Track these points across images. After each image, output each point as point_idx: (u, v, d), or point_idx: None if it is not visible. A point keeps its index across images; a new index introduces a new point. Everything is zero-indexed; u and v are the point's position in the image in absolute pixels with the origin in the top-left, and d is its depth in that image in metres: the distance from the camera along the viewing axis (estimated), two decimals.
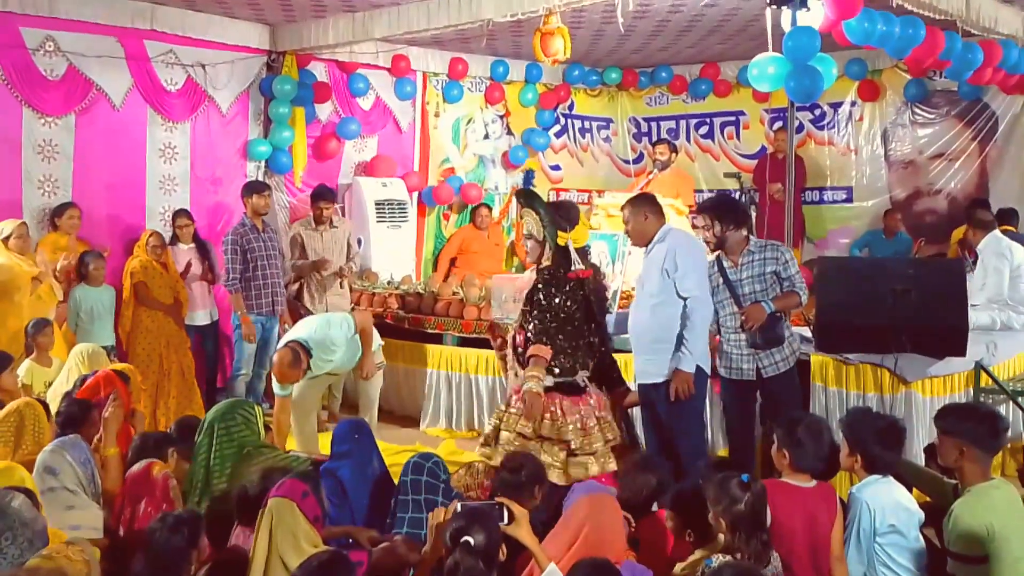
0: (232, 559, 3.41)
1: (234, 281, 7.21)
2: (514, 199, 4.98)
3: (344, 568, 3.00)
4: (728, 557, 3.19)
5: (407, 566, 3.51)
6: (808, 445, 3.62)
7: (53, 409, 5.00)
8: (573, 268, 4.66)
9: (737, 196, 7.05)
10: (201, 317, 7.69)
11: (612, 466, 4.56)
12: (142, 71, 7.80)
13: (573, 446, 4.54)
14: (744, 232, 5.18)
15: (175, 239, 7.68)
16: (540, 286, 4.65)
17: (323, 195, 7.95)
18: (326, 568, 2.95)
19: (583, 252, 4.83)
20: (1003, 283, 6.38)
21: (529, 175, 10.96)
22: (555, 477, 4.40)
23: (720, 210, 5.24)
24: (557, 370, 4.59)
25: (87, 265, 6.86)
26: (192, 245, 7.69)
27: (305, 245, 7.81)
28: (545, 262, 4.71)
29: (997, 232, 6.69)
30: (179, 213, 7.77)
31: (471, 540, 2.94)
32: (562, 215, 4.77)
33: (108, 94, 7.62)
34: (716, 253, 5.28)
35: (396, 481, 4.28)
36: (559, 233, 4.66)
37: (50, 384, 5.76)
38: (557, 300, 4.58)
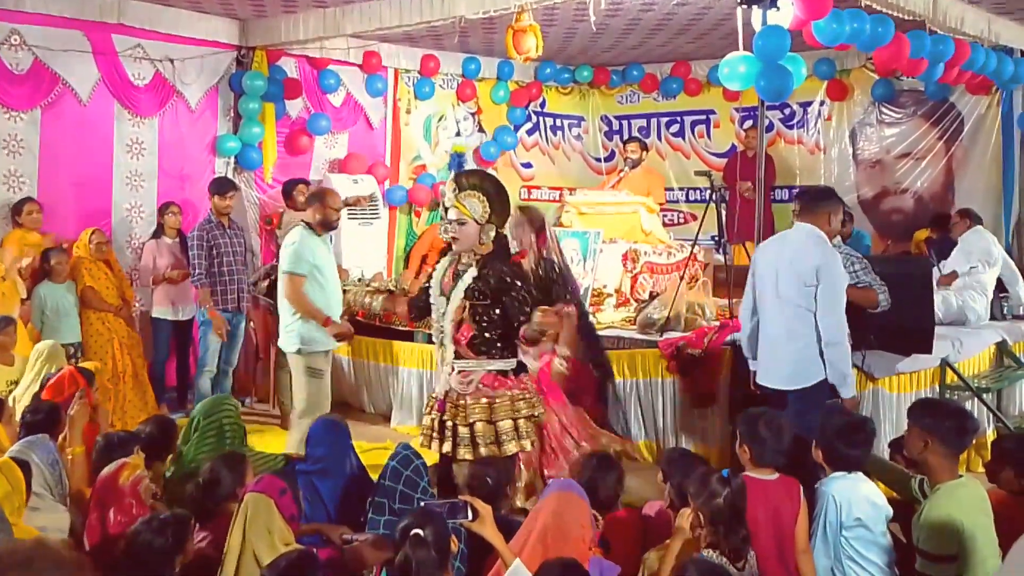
0: (202, 562, 3.38)
1: (200, 276, 7.16)
2: (452, 183, 4.32)
3: (313, 567, 2.99)
4: (713, 552, 3.22)
5: (378, 564, 3.50)
6: (769, 440, 3.67)
7: (18, 408, 4.95)
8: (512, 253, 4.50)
9: (708, 194, 7.07)
10: (182, 312, 7.59)
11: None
12: (109, 65, 7.71)
13: (538, 417, 4.51)
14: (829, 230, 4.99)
15: (160, 232, 7.59)
16: (507, 276, 4.26)
17: (298, 181, 7.84)
18: (295, 567, 2.93)
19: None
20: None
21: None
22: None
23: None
24: (514, 350, 4.44)
25: (49, 261, 6.78)
26: (176, 239, 7.59)
27: None
28: (483, 248, 4.30)
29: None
30: (169, 204, 7.67)
31: (421, 532, 2.92)
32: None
33: (75, 89, 7.52)
34: None
35: (372, 479, 4.25)
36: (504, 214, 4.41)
37: (14, 383, 5.68)
38: (524, 287, 4.38)
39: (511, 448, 4.32)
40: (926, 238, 8.87)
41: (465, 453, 4.30)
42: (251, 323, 7.88)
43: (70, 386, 4.72)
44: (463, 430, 4.33)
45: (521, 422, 4.39)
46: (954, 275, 7.09)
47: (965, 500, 3.44)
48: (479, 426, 4.34)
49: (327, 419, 4.51)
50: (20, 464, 3.61)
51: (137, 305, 7.70)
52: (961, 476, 3.56)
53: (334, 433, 4.37)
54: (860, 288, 4.94)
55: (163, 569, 3.15)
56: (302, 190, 7.70)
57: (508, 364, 4.42)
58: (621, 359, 6.31)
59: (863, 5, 6.03)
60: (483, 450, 4.32)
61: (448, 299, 4.35)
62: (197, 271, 7.16)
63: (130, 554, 3.15)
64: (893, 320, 5.33)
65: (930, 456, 3.53)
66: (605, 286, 7.03)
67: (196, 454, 4.37)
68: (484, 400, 4.32)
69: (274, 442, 6.42)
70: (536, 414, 4.46)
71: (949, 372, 5.89)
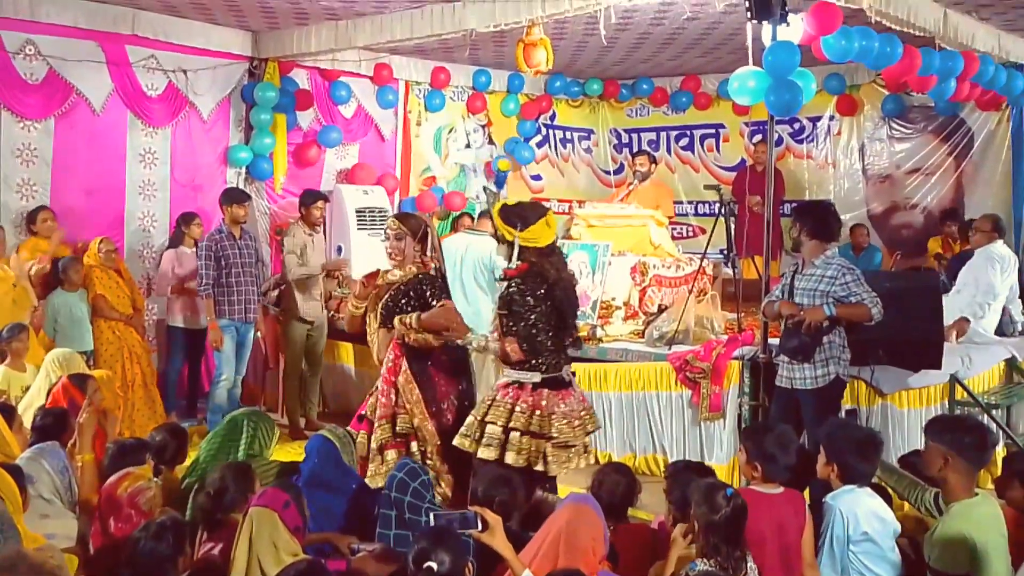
0: (209, 567, 3.39)
1: (206, 287, 7.15)
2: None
3: None
4: (707, 564, 3.22)
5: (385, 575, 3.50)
6: (780, 458, 3.67)
7: (27, 416, 4.97)
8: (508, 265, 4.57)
9: (717, 208, 7.07)
10: (201, 321, 7.57)
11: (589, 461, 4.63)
12: (123, 76, 7.77)
13: (556, 439, 4.51)
14: (818, 243, 5.09)
15: (179, 241, 7.65)
16: (514, 289, 4.50)
17: (318, 195, 7.85)
18: None
19: (552, 251, 4.65)
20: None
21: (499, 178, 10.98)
22: (540, 466, 4.41)
23: (803, 214, 5.32)
24: (544, 366, 4.56)
25: (66, 271, 6.81)
26: (194, 250, 7.59)
27: (304, 250, 7.61)
28: (513, 263, 4.54)
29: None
30: (191, 215, 7.75)
31: (434, 566, 2.91)
32: (516, 214, 4.64)
33: (88, 98, 7.58)
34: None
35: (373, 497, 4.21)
36: (509, 231, 4.52)
37: (25, 389, 5.70)
38: (530, 300, 4.48)
39: (487, 453, 4.34)
40: (936, 253, 8.87)
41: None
42: (258, 332, 7.89)
43: (64, 399, 4.74)
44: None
45: (514, 434, 4.42)
46: (963, 322, 6.60)
47: (980, 519, 3.41)
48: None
49: (321, 435, 4.40)
50: (13, 471, 3.62)
51: (150, 314, 7.73)
52: (977, 493, 3.52)
53: (325, 449, 4.28)
54: (851, 305, 4.91)
55: (165, 574, 3.16)
56: (321, 207, 7.67)
57: (522, 376, 4.49)
58: (629, 372, 6.32)
59: (872, 22, 6.03)
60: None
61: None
62: (204, 281, 7.16)
63: (132, 561, 3.17)
64: (902, 335, 5.32)
65: (950, 474, 3.49)
66: (614, 299, 7.03)
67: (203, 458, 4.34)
68: (488, 402, 4.51)
69: (280, 452, 6.40)
70: (533, 430, 4.44)
71: (958, 388, 5.88)
